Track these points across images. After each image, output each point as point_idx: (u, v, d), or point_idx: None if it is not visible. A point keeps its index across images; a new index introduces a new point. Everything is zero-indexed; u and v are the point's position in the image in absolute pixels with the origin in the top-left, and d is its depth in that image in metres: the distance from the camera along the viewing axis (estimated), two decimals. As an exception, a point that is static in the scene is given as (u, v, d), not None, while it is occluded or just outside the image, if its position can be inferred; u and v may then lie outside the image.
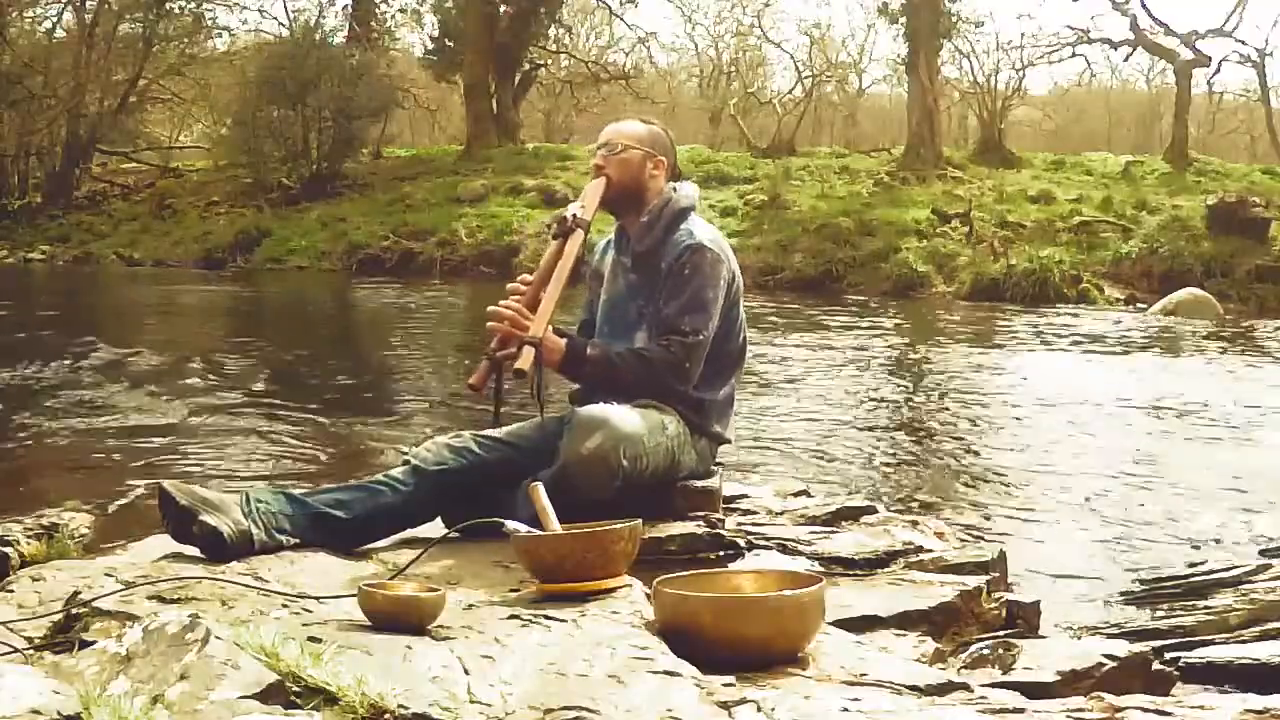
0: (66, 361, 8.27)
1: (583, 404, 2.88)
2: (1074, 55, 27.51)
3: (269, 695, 1.72)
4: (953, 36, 23.63)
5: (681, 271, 2.94)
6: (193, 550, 2.57)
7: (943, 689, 2.02)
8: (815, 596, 2.13)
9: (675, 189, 3.07)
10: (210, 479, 4.71)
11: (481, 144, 24.01)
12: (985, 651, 2.41)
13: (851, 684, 2.01)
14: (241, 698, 1.69)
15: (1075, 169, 21.74)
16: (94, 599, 2.17)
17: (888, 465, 5.68)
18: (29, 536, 3.02)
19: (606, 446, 2.70)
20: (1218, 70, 26.73)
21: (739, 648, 2.05)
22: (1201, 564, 3.66)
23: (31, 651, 2.02)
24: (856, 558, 2.85)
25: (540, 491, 2.47)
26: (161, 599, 2.21)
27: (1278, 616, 2.97)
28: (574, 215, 2.93)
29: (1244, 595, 3.16)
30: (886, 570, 2.82)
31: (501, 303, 2.83)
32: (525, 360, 2.70)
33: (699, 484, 3.01)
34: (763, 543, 2.92)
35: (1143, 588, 3.50)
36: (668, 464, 2.89)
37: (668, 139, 3.13)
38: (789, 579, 2.28)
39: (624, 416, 2.77)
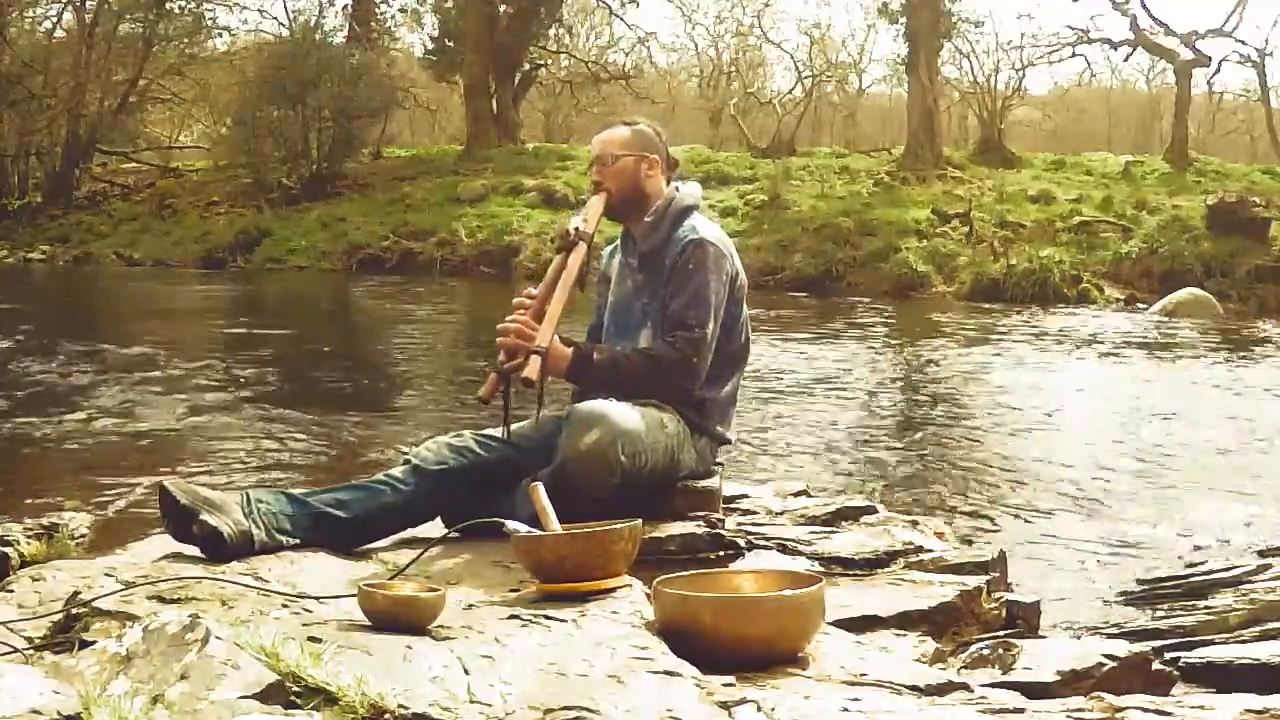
0: (67, 361, 8.27)
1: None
2: (1074, 55, 27.50)
3: (269, 695, 1.71)
4: (953, 36, 23.65)
5: (685, 267, 2.95)
6: (193, 550, 2.57)
7: (943, 689, 2.02)
8: (815, 596, 2.13)
9: (678, 188, 3.09)
10: (210, 479, 4.71)
11: (481, 144, 24.01)
12: (985, 651, 2.41)
13: (851, 684, 2.01)
14: (241, 698, 1.69)
15: (1075, 169, 21.73)
16: (94, 599, 2.17)
17: (888, 465, 5.68)
18: (29, 536, 3.02)
19: (605, 442, 2.71)
20: (1218, 70, 26.73)
21: (739, 648, 2.05)
22: (1201, 564, 3.66)
23: (31, 651, 2.02)
24: (856, 558, 2.85)
25: (540, 491, 2.47)
26: (161, 599, 2.21)
27: (1278, 616, 2.97)
28: (576, 229, 2.95)
29: (1244, 595, 3.16)
30: (886, 570, 2.82)
31: (508, 318, 2.84)
32: (532, 369, 2.71)
33: (699, 484, 3.01)
34: (763, 543, 2.91)
35: (1143, 588, 3.50)
36: (667, 462, 2.89)
37: (654, 134, 3.14)
38: (789, 579, 2.28)
39: (622, 413, 2.77)
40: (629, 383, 2.90)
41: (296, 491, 2.75)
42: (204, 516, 2.53)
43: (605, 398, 2.84)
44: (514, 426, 2.98)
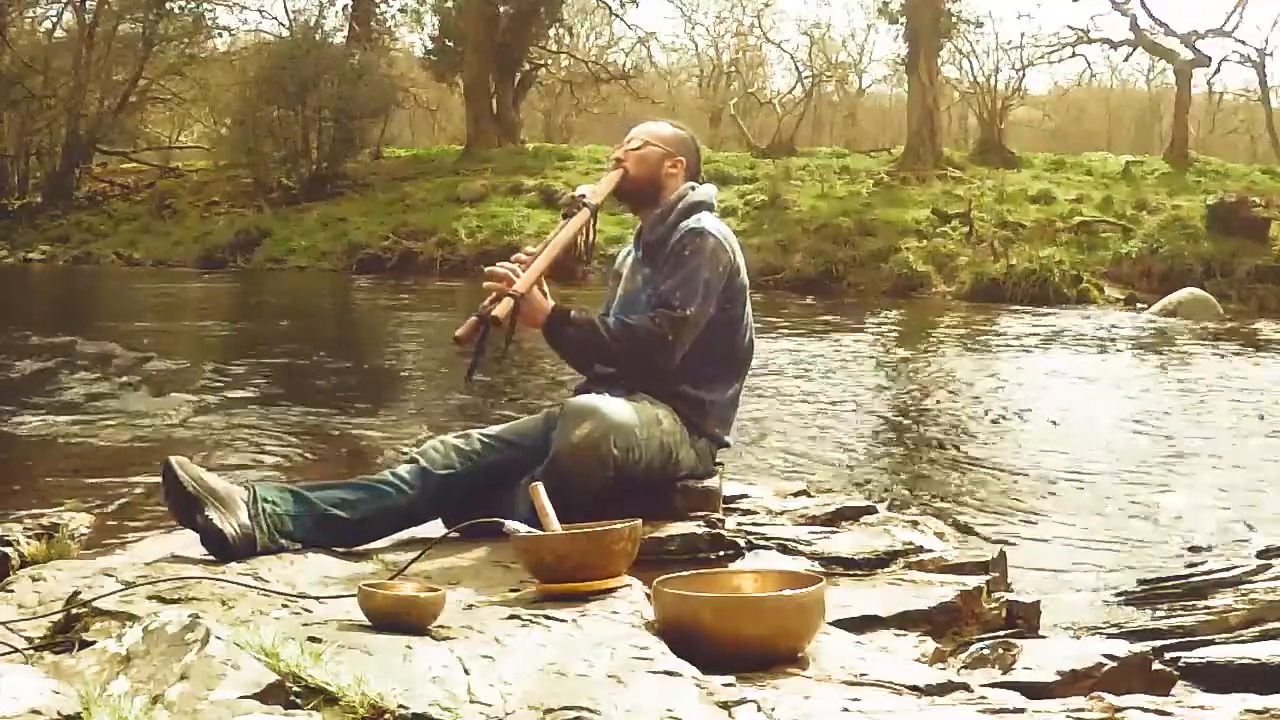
0: (67, 361, 8.27)
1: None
2: (1074, 55, 27.56)
3: (269, 695, 1.71)
4: (953, 36, 23.65)
5: (681, 253, 2.96)
6: (193, 548, 2.57)
7: (943, 689, 2.02)
8: (815, 596, 2.13)
9: (693, 187, 3.11)
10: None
11: (481, 144, 24.03)
12: (985, 651, 2.41)
13: (851, 684, 2.01)
14: (241, 698, 1.69)
15: (1075, 169, 21.75)
16: (94, 599, 2.17)
17: (888, 465, 5.68)
18: (29, 536, 3.02)
19: (596, 435, 2.71)
20: (1218, 70, 26.79)
21: (739, 648, 2.05)
22: (1201, 564, 3.66)
23: (31, 651, 2.02)
24: (856, 558, 2.85)
25: (540, 491, 2.47)
26: (161, 599, 2.21)
27: (1278, 616, 2.96)
28: (583, 196, 2.98)
29: (1244, 595, 3.16)
30: (886, 570, 2.82)
31: (500, 264, 2.85)
32: (503, 309, 2.72)
33: (699, 484, 3.01)
34: (763, 543, 2.91)
35: (1143, 588, 3.50)
36: (663, 458, 2.89)
37: (692, 143, 3.20)
38: (789, 579, 2.28)
39: (615, 406, 2.78)
40: (602, 349, 2.91)
41: (302, 488, 2.75)
42: (209, 513, 2.53)
43: (601, 392, 2.85)
44: (516, 425, 3.00)
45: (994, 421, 7.02)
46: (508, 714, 1.75)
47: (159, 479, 2.61)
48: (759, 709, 1.80)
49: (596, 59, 30.87)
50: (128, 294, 15.70)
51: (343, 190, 22.18)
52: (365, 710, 1.70)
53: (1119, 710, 1.81)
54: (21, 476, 5.04)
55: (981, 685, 2.14)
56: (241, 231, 20.46)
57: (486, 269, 2.87)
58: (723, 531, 2.88)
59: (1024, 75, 25.96)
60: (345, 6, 27.72)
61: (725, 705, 1.81)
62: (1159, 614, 3.22)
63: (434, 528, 2.80)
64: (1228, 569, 3.41)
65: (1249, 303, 15.02)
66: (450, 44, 26.53)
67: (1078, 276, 15.76)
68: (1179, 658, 2.65)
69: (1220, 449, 6.14)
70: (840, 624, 2.38)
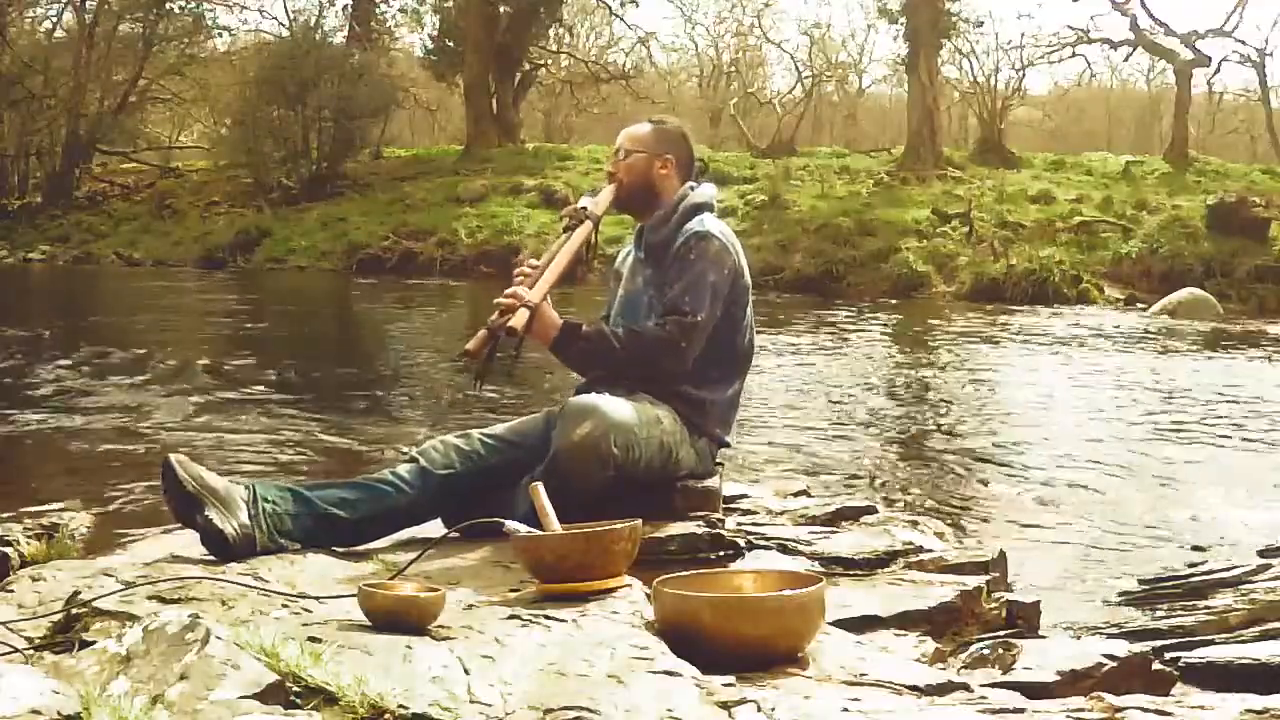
0: (67, 361, 8.27)
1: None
2: (1074, 55, 27.60)
3: (269, 695, 1.71)
4: (953, 36, 23.66)
5: (687, 256, 2.96)
6: (193, 547, 2.56)
7: (943, 689, 2.02)
8: (815, 596, 2.13)
9: (693, 188, 3.11)
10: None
11: (481, 144, 24.03)
12: (985, 651, 2.41)
13: (851, 684, 2.01)
14: (241, 698, 1.69)
15: (1075, 169, 21.76)
16: (94, 599, 2.17)
17: (888, 465, 5.68)
18: (29, 536, 3.02)
19: (596, 434, 2.71)
20: (1218, 70, 26.81)
21: (739, 648, 2.05)
22: (1201, 564, 3.66)
23: (31, 651, 2.02)
24: (856, 558, 2.85)
25: (540, 491, 2.47)
26: (161, 599, 2.21)
27: (1278, 616, 2.96)
28: (584, 208, 2.99)
29: (1244, 595, 3.16)
30: (886, 570, 2.82)
31: (508, 290, 2.85)
32: (519, 320, 2.73)
33: (699, 484, 3.01)
34: (763, 543, 2.91)
35: (1143, 588, 3.50)
36: (663, 458, 2.89)
37: (678, 134, 3.17)
38: (789, 579, 2.28)
39: (615, 405, 2.78)
40: (615, 357, 2.90)
41: (302, 487, 2.75)
42: (210, 514, 2.53)
43: (602, 392, 2.85)
44: (518, 424, 2.99)
45: (995, 422, 7.02)
46: (508, 714, 1.75)
47: (159, 479, 2.61)
48: (759, 709, 1.80)
49: (596, 59, 30.89)
50: (128, 294, 15.70)
51: (343, 190, 22.19)
52: (365, 710, 1.70)
53: (1119, 710, 1.81)
54: (21, 476, 5.04)
55: (981, 685, 2.14)
56: (241, 231, 20.46)
57: (503, 294, 2.84)
58: (723, 531, 2.88)
59: (1024, 75, 26.04)
60: (345, 6, 27.76)
61: (725, 705, 1.81)
62: (1159, 614, 3.22)
63: (434, 528, 2.80)
64: (1228, 569, 3.41)
65: (1249, 303, 15.03)
66: (450, 44, 26.54)
67: (1078, 276, 15.77)
68: (1179, 658, 2.65)
69: (1220, 448, 6.14)
70: (840, 624, 2.38)
